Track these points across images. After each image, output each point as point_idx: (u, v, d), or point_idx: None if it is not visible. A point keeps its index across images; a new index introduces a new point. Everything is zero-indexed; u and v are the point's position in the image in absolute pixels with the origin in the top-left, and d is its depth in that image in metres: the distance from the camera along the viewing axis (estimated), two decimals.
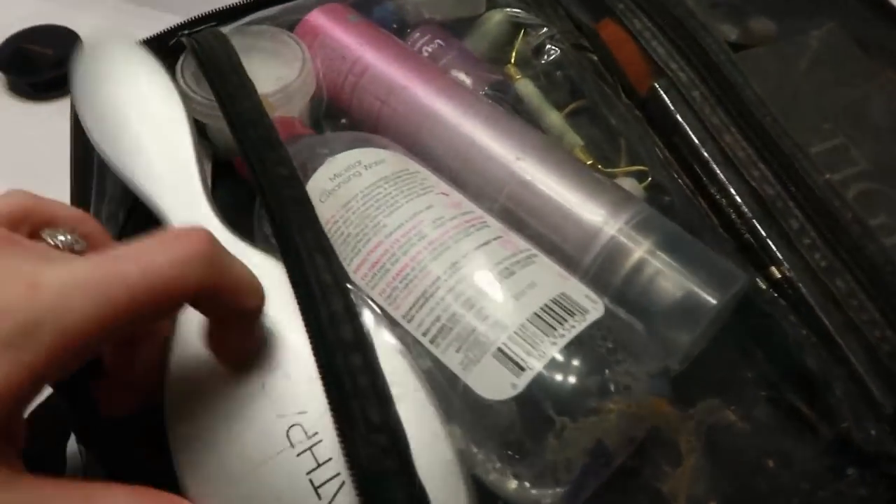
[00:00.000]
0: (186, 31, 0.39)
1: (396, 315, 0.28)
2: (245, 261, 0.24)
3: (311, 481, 0.23)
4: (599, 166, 0.38)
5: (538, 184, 0.33)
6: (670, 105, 0.38)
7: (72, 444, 0.31)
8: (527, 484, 0.25)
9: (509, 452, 0.25)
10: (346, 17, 0.41)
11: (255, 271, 0.24)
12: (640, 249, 0.31)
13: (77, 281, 0.19)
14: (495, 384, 0.25)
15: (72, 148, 0.35)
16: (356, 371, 0.23)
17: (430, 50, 0.42)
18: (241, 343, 0.24)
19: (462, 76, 0.41)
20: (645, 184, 0.37)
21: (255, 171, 0.28)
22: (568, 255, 0.32)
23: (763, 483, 0.27)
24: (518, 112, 0.41)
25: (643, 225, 0.31)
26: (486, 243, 0.29)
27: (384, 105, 0.37)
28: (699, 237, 0.34)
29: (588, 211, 0.32)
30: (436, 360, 0.27)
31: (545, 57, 0.41)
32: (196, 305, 0.22)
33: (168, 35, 0.39)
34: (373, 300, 0.28)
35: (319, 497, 0.23)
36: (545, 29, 0.42)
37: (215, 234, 0.24)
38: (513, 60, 0.43)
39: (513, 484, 0.26)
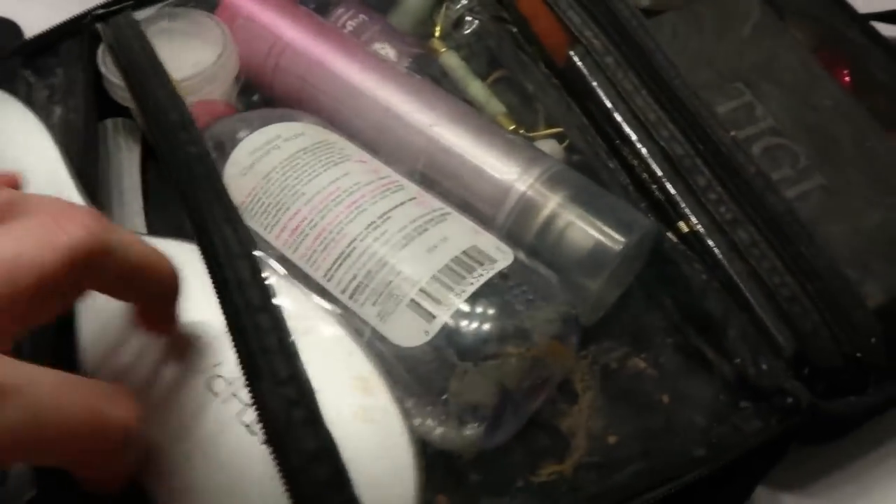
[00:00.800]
0: (100, 13, 0.39)
1: (317, 276, 0.29)
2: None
3: (243, 422, 0.24)
4: (522, 131, 0.40)
5: (453, 147, 0.34)
6: (585, 72, 0.40)
7: None
8: (444, 428, 0.27)
9: (427, 398, 0.27)
10: None
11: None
12: (550, 203, 0.32)
13: None
14: (409, 333, 0.27)
15: None
16: (263, 331, 0.24)
17: (353, 25, 0.43)
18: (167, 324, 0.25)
19: (386, 50, 0.42)
20: (564, 144, 0.38)
21: (164, 153, 0.29)
22: (483, 213, 0.33)
23: (660, 419, 0.29)
24: (443, 84, 0.42)
25: (554, 180, 0.33)
26: (401, 204, 0.30)
27: (305, 83, 0.38)
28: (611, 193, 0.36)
29: (501, 169, 0.33)
30: (354, 316, 0.28)
31: (465, 28, 0.43)
32: (100, 288, 0.23)
33: (82, 18, 0.39)
34: (293, 264, 0.29)
35: (254, 433, 0.24)
36: (464, 1, 0.43)
37: None
38: (437, 34, 0.44)
39: (436, 430, 0.27)
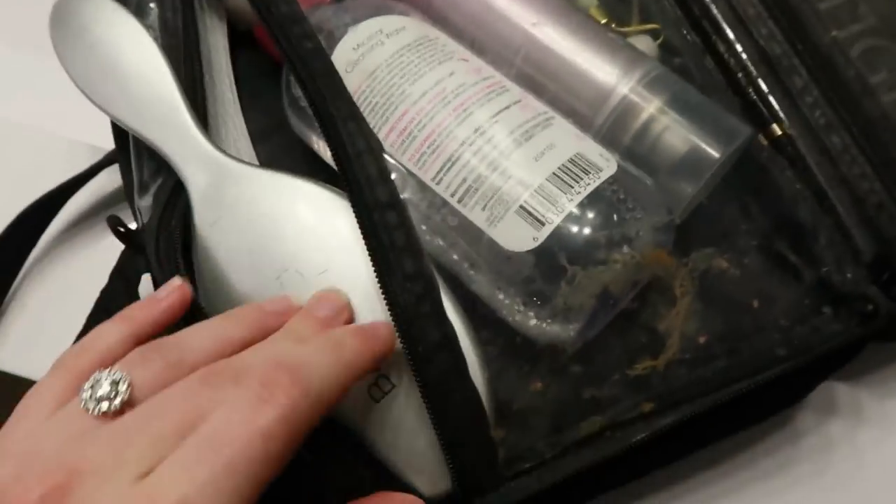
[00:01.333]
0: None
1: (426, 178, 0.30)
2: (254, 183, 0.29)
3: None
4: (613, 25, 0.39)
5: (553, 46, 0.34)
6: None
7: None
8: (544, 324, 0.29)
9: (530, 297, 0.29)
10: None
11: (264, 188, 0.29)
12: (650, 107, 0.33)
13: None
14: (518, 237, 0.28)
15: None
16: (392, 227, 0.26)
17: None
18: None
19: None
20: (659, 41, 0.38)
21: (283, 47, 0.29)
22: (582, 114, 0.34)
23: (748, 321, 0.31)
24: None
25: (654, 83, 0.33)
26: (506, 108, 0.31)
27: None
28: (707, 95, 0.36)
29: (601, 71, 0.33)
30: (463, 218, 0.29)
31: None
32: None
33: None
34: (403, 165, 0.30)
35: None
36: None
37: (216, 164, 0.29)
38: None
39: (533, 322, 0.29)
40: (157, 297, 0.27)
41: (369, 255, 0.26)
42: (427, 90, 0.31)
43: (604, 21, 0.39)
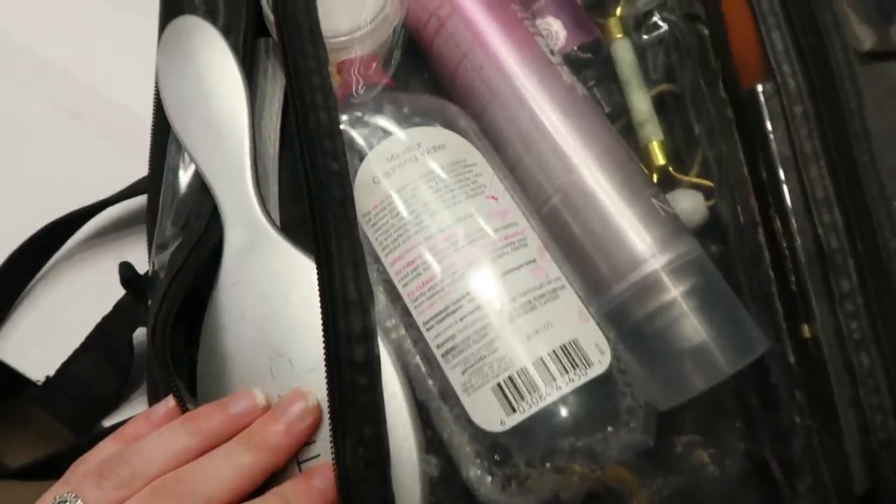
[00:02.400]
0: None
1: (419, 320, 0.30)
2: (282, 258, 0.29)
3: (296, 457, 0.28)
4: (671, 168, 0.37)
5: (595, 195, 0.33)
6: (766, 116, 0.36)
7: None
8: (492, 494, 0.29)
9: (484, 466, 0.29)
10: None
11: (289, 268, 0.29)
12: (673, 291, 0.31)
13: None
14: (487, 415, 0.28)
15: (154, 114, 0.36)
16: (359, 390, 0.26)
17: None
18: None
19: (555, 28, 0.38)
20: (710, 203, 0.36)
21: (306, 162, 0.29)
22: (602, 275, 0.32)
23: None
24: (603, 75, 0.38)
25: (686, 268, 0.31)
26: (517, 268, 0.30)
27: (465, 60, 0.36)
28: (745, 271, 0.34)
29: (636, 240, 0.32)
30: (441, 372, 0.29)
31: (650, 28, 0.38)
32: None
33: None
34: (401, 297, 0.30)
35: (300, 470, 0.28)
36: None
37: (259, 229, 0.30)
38: (618, 13, 0.39)
39: (487, 493, 0.29)
40: (152, 417, 0.29)
41: (328, 405, 0.26)
42: (444, 228, 0.30)
43: (663, 162, 0.37)
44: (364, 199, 0.31)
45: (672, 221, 0.33)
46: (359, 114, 0.33)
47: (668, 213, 0.33)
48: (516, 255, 0.30)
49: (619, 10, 0.39)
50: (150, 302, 0.33)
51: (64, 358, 0.36)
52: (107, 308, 0.37)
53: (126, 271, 0.33)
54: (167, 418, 0.29)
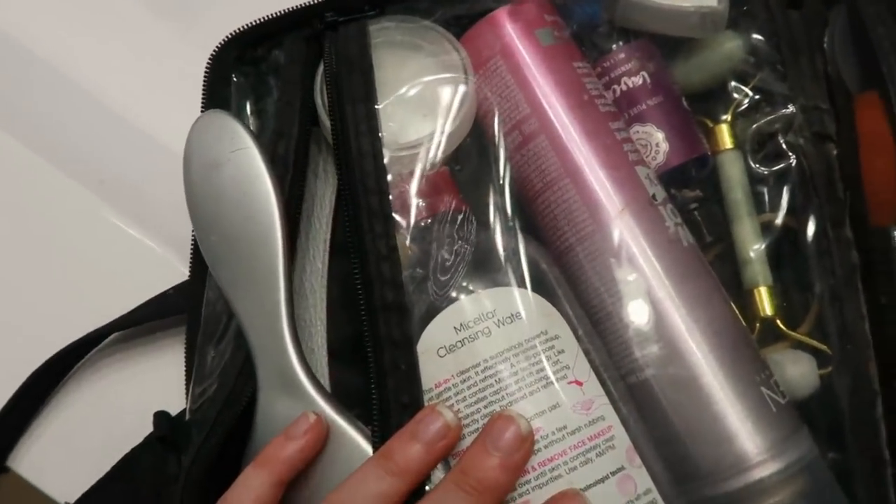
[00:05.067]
0: (331, 19, 0.32)
1: None
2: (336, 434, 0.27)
3: None
4: (779, 321, 0.31)
5: (698, 376, 0.28)
6: None
7: None
8: None
9: None
10: (541, 24, 0.32)
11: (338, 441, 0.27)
12: (781, 495, 0.27)
13: None
14: None
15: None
16: None
17: (629, 85, 0.33)
18: None
19: (658, 138, 0.33)
20: (824, 372, 0.30)
21: (362, 287, 0.27)
22: (696, 471, 0.28)
23: None
24: (707, 195, 0.33)
25: (798, 475, 0.27)
26: (602, 480, 0.26)
27: (548, 189, 0.31)
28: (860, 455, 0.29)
29: (746, 439, 0.27)
30: None
31: (769, 158, 0.32)
32: None
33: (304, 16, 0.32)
34: None
35: None
36: (788, 109, 0.32)
37: (294, 386, 0.27)
38: (730, 117, 0.34)
39: None
40: (293, 435, 0.26)
41: None
42: None
43: (770, 313, 0.31)
44: (430, 371, 0.27)
45: (785, 417, 0.28)
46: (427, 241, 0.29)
47: (781, 407, 0.28)
48: (602, 462, 0.26)
49: (731, 115, 0.34)
50: (182, 457, 0.30)
51: (83, 475, 0.33)
52: (133, 421, 0.33)
53: (160, 424, 0.30)
54: (315, 434, 0.27)
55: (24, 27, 0.42)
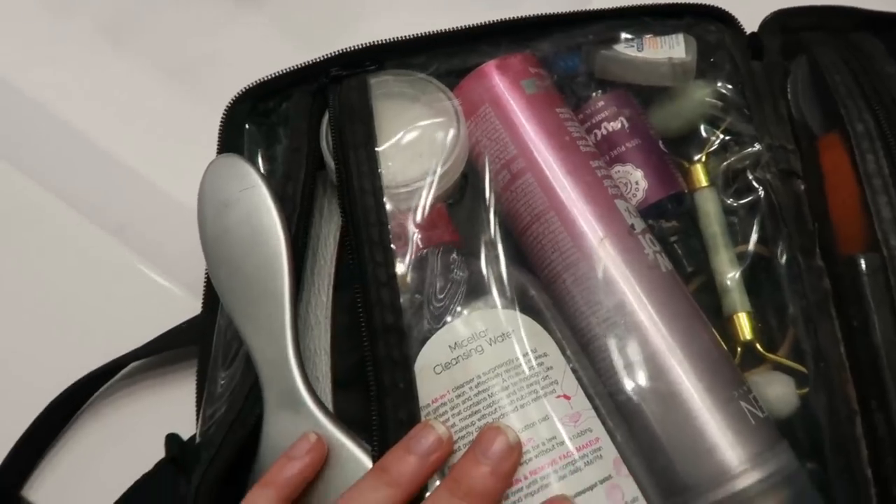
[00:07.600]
0: (335, 73, 0.35)
1: None
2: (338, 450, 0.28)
3: None
4: (758, 344, 0.33)
5: (680, 392, 0.30)
6: (869, 297, 0.32)
7: None
8: None
9: None
10: (526, 75, 0.35)
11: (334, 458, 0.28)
12: None
13: None
14: None
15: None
16: None
17: (608, 129, 0.36)
18: None
19: (636, 176, 0.35)
20: (802, 392, 0.32)
21: (365, 325, 0.29)
22: (680, 482, 0.29)
23: None
24: (685, 229, 0.35)
25: (780, 486, 0.28)
26: (590, 488, 0.27)
27: (536, 222, 0.33)
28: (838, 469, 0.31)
29: (726, 449, 0.29)
30: None
31: (740, 192, 0.35)
32: None
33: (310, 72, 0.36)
34: None
35: None
36: (755, 147, 0.34)
37: (300, 409, 0.29)
38: (704, 158, 0.36)
39: None
40: (295, 455, 0.28)
41: None
42: None
43: (750, 336, 0.33)
44: (426, 388, 0.29)
45: (764, 430, 0.29)
46: (428, 270, 0.31)
47: (760, 420, 0.30)
48: (590, 471, 0.27)
49: (704, 156, 0.36)
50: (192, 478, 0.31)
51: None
52: (148, 450, 0.35)
53: (171, 445, 0.31)
54: (317, 455, 0.28)
55: (57, 91, 0.47)
